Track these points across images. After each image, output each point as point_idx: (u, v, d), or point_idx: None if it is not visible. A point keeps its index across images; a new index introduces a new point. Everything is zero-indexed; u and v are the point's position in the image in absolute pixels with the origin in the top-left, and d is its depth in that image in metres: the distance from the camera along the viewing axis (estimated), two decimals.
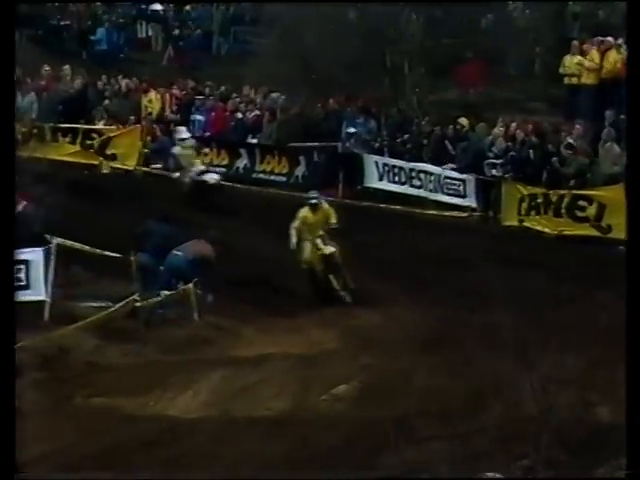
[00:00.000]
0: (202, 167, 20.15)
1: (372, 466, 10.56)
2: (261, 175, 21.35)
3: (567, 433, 10.90)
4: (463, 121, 20.35)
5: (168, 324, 14.82)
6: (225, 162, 21.64)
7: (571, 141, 18.93)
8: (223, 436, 11.45)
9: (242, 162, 21.49)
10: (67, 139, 21.90)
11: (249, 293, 15.67)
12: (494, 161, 19.66)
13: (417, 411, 11.81)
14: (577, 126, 19.23)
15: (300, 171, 21.07)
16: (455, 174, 19.77)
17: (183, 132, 20.66)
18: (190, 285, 15.04)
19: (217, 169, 21.42)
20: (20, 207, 15.79)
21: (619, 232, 17.80)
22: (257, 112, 22.02)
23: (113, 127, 22.11)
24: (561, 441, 10.66)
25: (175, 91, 22.93)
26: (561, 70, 20.97)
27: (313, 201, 16.44)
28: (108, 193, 19.17)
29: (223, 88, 22.76)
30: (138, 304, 15.03)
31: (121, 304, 14.85)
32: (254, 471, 10.62)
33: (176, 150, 20.07)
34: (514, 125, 19.93)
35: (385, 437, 11.12)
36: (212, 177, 19.86)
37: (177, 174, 20.04)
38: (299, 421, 11.75)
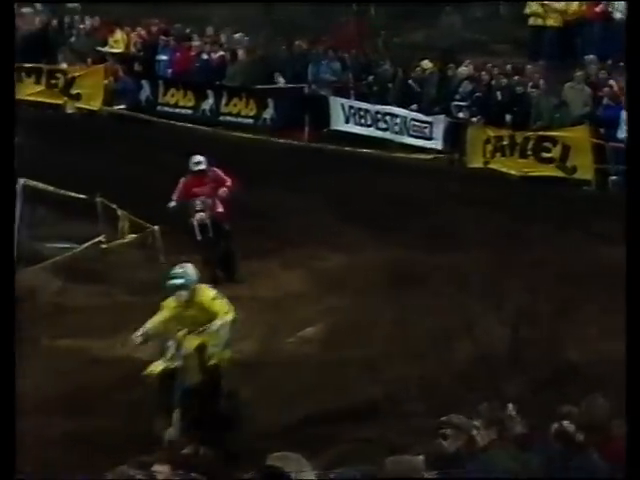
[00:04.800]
0: None
1: (340, 408, 10.67)
2: (228, 117, 21.23)
3: (534, 372, 11.08)
4: (426, 64, 20.30)
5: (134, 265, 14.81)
6: (191, 103, 21.49)
7: (541, 82, 19.01)
8: None
9: (208, 104, 21.34)
10: (31, 78, 21.65)
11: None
12: (460, 103, 19.65)
13: (384, 352, 11.94)
14: (545, 68, 19.28)
15: (268, 113, 20.93)
16: (421, 116, 19.75)
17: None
18: (156, 227, 15.02)
19: (183, 110, 21.34)
20: None
21: (584, 173, 17.93)
22: (221, 52, 21.83)
23: (77, 67, 21.87)
24: (528, 380, 10.84)
25: (141, 31, 22.66)
26: (526, 11, 20.95)
27: (177, 282, 10.34)
28: (74, 133, 19.01)
29: (188, 30, 22.53)
30: (104, 246, 15.02)
31: (86, 245, 14.82)
32: None
33: None
34: (480, 67, 19.91)
35: (352, 378, 11.25)
36: None
37: None
38: (267, 364, 11.81)
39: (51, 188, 15.10)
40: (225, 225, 14.70)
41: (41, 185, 15.03)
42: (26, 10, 22.83)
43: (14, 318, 6.05)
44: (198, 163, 14.72)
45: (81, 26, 22.75)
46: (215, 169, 14.74)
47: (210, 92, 21.32)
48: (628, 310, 6.58)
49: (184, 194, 14.64)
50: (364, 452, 9.41)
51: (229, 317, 10.11)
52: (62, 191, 15.08)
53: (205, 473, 5.88)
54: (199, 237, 14.52)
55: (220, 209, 14.63)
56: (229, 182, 14.63)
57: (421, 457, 6.72)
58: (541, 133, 18.31)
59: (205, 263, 13.84)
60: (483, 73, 19.77)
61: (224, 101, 21.18)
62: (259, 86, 21.10)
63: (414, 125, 19.80)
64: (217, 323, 10.06)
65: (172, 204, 14.54)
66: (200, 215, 14.52)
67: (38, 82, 21.64)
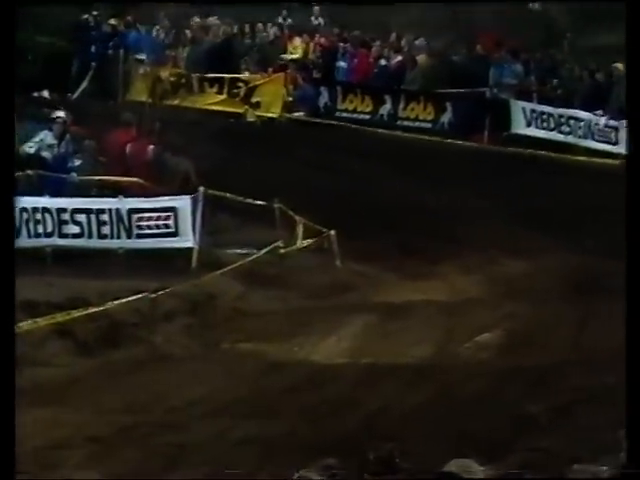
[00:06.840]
0: None
1: (516, 416, 10.42)
2: (405, 122, 21.15)
3: None
4: (619, 66, 19.71)
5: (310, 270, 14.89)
6: (369, 109, 21.53)
7: None
8: (365, 383, 11.48)
9: (385, 108, 21.32)
10: (214, 89, 22.13)
11: (391, 240, 15.60)
12: None
13: (563, 361, 11.61)
14: None
15: (446, 117, 20.77)
16: (606, 120, 19.22)
17: None
18: (332, 231, 15.08)
19: (361, 116, 21.37)
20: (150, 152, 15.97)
21: None
22: (399, 58, 21.78)
23: (258, 75, 22.23)
24: None
25: (320, 38, 22.87)
26: None
27: None
28: (254, 141, 19.31)
29: (367, 36, 22.60)
30: (282, 251, 15.17)
31: (265, 250, 14.99)
32: (395, 419, 10.62)
33: None
34: None
35: (529, 387, 10.97)
36: None
37: None
38: (441, 369, 11.67)
39: (229, 195, 15.34)
40: None
41: (221, 193, 15.29)
42: (212, 21, 23.35)
43: (14, 315, 5.90)
44: None
45: (263, 34, 23.14)
46: None
47: (388, 97, 21.31)
48: (628, 312, 6.14)
49: None
50: (542, 462, 9.16)
51: None
52: (241, 198, 15.30)
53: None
54: None
55: None
56: None
57: (605, 468, 6.41)
58: None
59: None
60: None
61: (402, 105, 21.13)
62: (437, 90, 20.95)
63: (599, 130, 19.33)
64: None
65: None
66: None
67: (220, 92, 22.09)
